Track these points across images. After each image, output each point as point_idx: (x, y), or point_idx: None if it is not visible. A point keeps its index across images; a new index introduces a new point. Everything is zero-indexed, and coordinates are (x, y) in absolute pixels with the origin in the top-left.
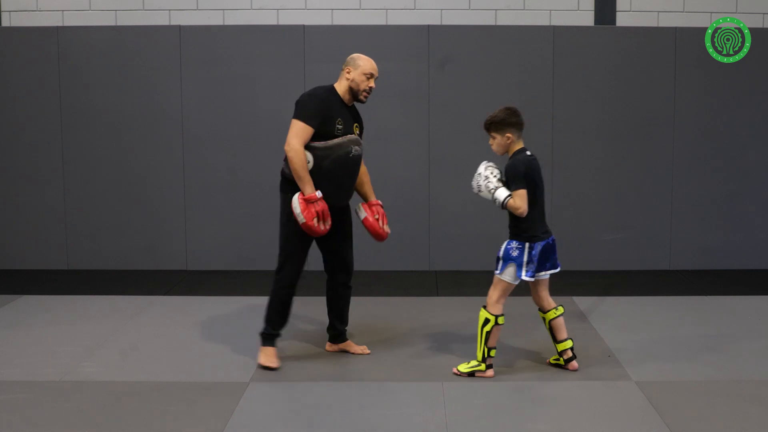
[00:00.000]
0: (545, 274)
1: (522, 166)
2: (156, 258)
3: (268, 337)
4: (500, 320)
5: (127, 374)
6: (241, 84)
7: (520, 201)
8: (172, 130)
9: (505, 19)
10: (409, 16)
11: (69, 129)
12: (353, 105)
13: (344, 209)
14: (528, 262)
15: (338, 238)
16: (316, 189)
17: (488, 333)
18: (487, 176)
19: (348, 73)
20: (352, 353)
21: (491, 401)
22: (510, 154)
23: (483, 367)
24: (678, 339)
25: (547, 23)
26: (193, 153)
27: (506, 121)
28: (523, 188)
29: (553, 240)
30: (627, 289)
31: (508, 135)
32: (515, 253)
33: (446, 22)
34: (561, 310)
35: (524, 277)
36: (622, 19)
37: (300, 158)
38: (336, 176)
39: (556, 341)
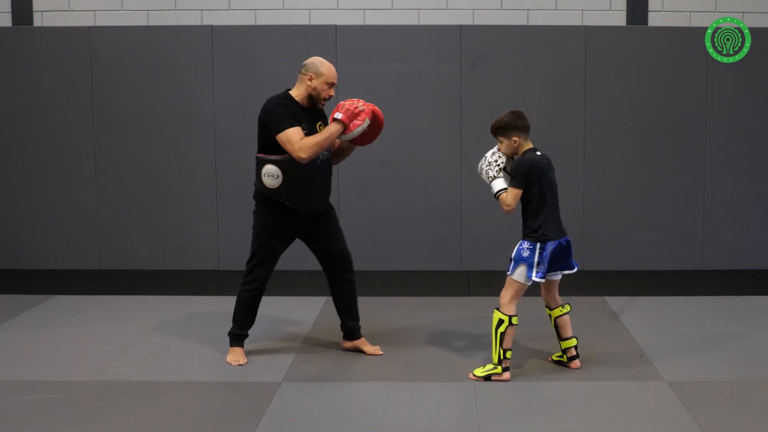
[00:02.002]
0: (558, 274)
1: (527, 165)
2: (188, 258)
3: (235, 337)
4: (514, 320)
5: (159, 374)
6: (273, 84)
7: (511, 199)
8: (204, 130)
9: (537, 19)
10: (441, 16)
11: (101, 129)
12: (312, 106)
13: (325, 211)
14: (538, 263)
15: (324, 236)
16: (287, 201)
17: (503, 334)
18: (491, 162)
19: (310, 80)
20: (365, 352)
21: (523, 401)
22: (519, 155)
23: (499, 369)
24: (710, 339)
25: (579, 23)
26: (225, 153)
27: (511, 124)
28: (519, 188)
29: (568, 241)
30: (659, 289)
31: (515, 138)
32: (526, 254)
33: (478, 22)
34: (567, 308)
35: (534, 278)
36: (654, 19)
37: (311, 141)
38: (307, 184)
39: (560, 339)
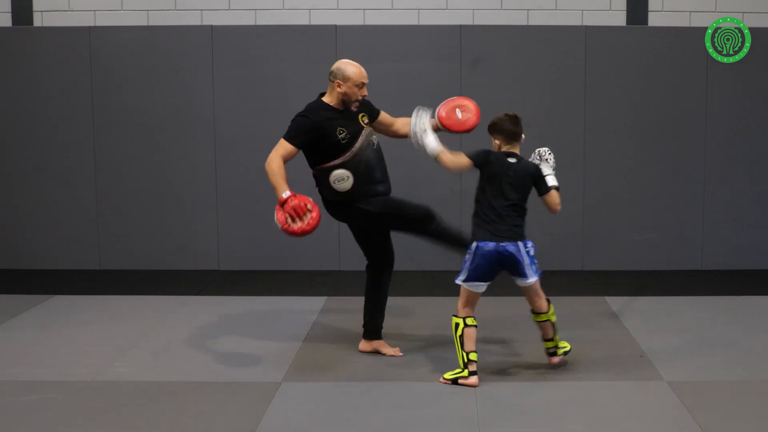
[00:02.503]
0: (522, 280)
1: (487, 152)
2: (188, 258)
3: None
4: (468, 321)
5: (159, 374)
6: (273, 84)
7: (452, 156)
8: (203, 130)
9: (537, 19)
10: (441, 16)
11: (101, 129)
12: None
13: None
14: (471, 269)
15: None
16: (362, 196)
17: (461, 337)
18: (421, 116)
19: (339, 86)
20: (384, 354)
21: (523, 401)
22: None
23: (465, 373)
24: (710, 339)
25: (579, 23)
26: (225, 153)
27: (497, 126)
28: (467, 158)
29: (512, 250)
30: (659, 289)
31: (496, 141)
32: (467, 257)
33: (478, 22)
34: (544, 318)
35: (458, 281)
36: (654, 19)
37: (273, 168)
38: (374, 174)
39: (542, 338)
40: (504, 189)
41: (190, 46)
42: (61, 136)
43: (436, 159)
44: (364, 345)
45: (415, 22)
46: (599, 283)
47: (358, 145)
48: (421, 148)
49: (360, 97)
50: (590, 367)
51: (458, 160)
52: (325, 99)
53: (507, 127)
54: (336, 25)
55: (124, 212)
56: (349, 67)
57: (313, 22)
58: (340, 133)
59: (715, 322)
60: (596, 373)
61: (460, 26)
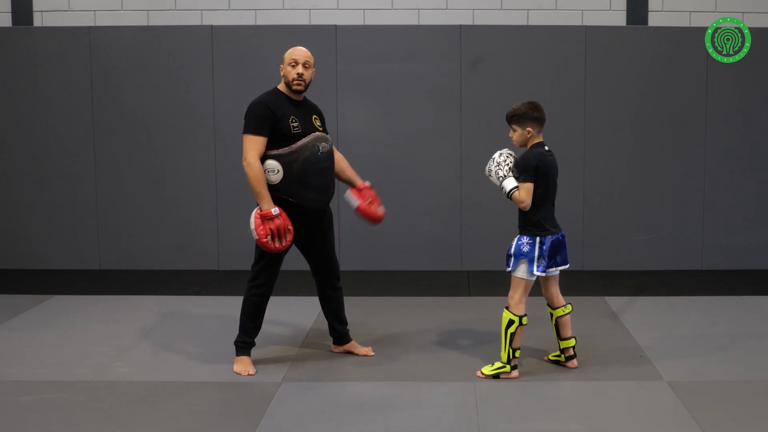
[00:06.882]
0: (555, 270)
1: (534, 159)
2: (188, 258)
3: (243, 346)
4: (524, 320)
5: (159, 374)
6: (273, 84)
7: (525, 194)
8: (203, 129)
9: (537, 19)
10: (441, 16)
11: (101, 129)
12: (305, 99)
13: (324, 211)
14: (539, 257)
15: (320, 244)
16: (290, 196)
17: (512, 334)
18: (500, 163)
19: (281, 69)
20: (357, 354)
21: (523, 401)
22: (528, 147)
23: (508, 368)
24: (710, 339)
25: (579, 23)
26: (225, 153)
27: (528, 115)
28: (530, 182)
29: (563, 236)
30: (659, 289)
31: (529, 129)
32: (526, 249)
33: (478, 22)
34: (569, 308)
35: (536, 273)
36: (654, 19)
37: (256, 173)
38: (308, 179)
39: (560, 338)
40: (556, 182)
41: (190, 46)
42: (61, 136)
43: (509, 197)
44: (335, 348)
45: (415, 22)
46: (599, 283)
47: (300, 143)
48: (498, 186)
49: (295, 75)
50: (590, 366)
51: (528, 190)
52: (280, 86)
53: (539, 115)
54: (336, 25)
55: (124, 212)
56: (289, 49)
57: (313, 22)
58: (293, 122)
59: (715, 321)
60: (596, 373)
61: (460, 26)
